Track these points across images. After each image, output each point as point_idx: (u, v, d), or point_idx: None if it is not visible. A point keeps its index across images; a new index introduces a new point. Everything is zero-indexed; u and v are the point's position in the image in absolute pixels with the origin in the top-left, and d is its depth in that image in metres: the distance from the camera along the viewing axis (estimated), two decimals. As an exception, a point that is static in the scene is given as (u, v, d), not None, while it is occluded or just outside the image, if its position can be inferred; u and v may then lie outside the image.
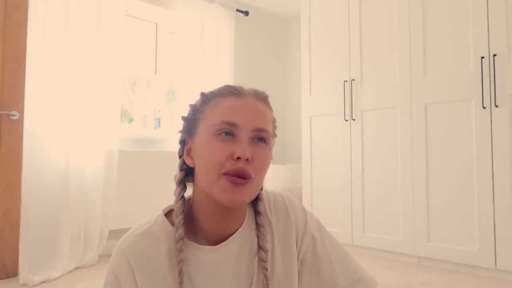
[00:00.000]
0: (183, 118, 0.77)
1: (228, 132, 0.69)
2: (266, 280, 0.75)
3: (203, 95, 0.76)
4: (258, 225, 0.78)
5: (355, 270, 0.84)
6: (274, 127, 0.78)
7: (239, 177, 0.68)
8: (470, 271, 2.26)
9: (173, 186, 0.78)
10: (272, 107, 0.78)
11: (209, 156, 0.69)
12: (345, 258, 0.84)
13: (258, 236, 0.78)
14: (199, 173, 0.73)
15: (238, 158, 0.67)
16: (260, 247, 0.77)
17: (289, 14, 4.19)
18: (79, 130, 2.48)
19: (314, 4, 3.10)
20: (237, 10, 3.66)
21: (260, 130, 0.71)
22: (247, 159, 0.67)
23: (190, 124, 0.76)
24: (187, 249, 0.73)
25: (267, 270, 0.76)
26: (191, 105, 0.77)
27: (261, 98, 0.75)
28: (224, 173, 0.68)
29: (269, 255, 0.78)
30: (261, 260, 0.76)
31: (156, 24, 3.30)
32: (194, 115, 0.75)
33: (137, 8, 3.12)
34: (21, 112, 2.25)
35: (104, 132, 2.58)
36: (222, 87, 0.75)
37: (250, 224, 0.79)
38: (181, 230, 0.71)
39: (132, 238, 0.74)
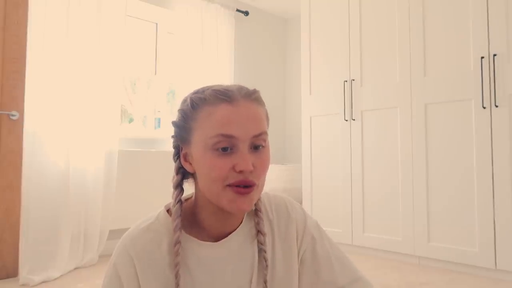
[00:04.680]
0: (174, 124, 0.75)
1: (227, 145, 0.68)
2: (266, 261, 0.77)
3: (191, 100, 0.72)
4: (256, 210, 0.80)
5: (352, 270, 0.85)
6: (268, 119, 0.77)
7: (244, 187, 0.68)
8: (470, 271, 2.26)
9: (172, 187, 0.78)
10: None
11: (210, 171, 0.68)
12: (343, 258, 0.86)
13: (255, 221, 0.79)
14: (201, 182, 0.73)
15: (241, 171, 0.67)
16: (258, 231, 0.79)
17: (289, 14, 4.19)
18: (79, 130, 2.48)
19: (314, 4, 3.10)
20: (237, 10, 3.66)
21: (257, 136, 0.70)
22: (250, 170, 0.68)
23: (183, 131, 0.73)
24: (188, 245, 0.75)
25: (265, 252, 0.77)
26: (180, 110, 0.74)
27: (254, 99, 0.72)
28: (228, 185, 0.68)
29: (269, 253, 0.79)
30: (260, 243, 0.78)
31: (156, 24, 3.30)
32: (186, 122, 0.72)
33: (137, 8, 3.12)
34: (21, 112, 2.25)
35: (104, 132, 2.58)
36: (210, 92, 0.71)
37: (250, 221, 0.81)
38: (178, 234, 0.72)
39: (135, 233, 0.75)
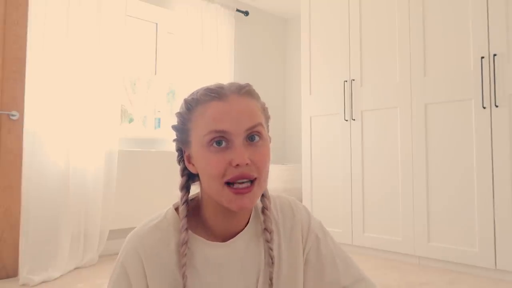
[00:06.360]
0: (174, 128, 0.76)
1: (220, 141, 0.68)
2: (272, 259, 0.77)
3: (186, 102, 0.73)
4: (263, 208, 0.80)
5: (356, 270, 0.86)
6: (266, 113, 0.77)
7: (243, 183, 0.68)
8: (470, 271, 2.26)
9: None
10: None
11: (208, 169, 0.69)
12: (346, 258, 0.86)
13: (262, 218, 0.79)
14: (203, 181, 0.73)
15: (237, 165, 0.67)
16: (265, 229, 0.79)
17: (289, 14, 4.19)
18: (79, 130, 2.48)
19: (314, 4, 3.10)
20: (237, 10, 3.66)
21: (251, 128, 0.69)
22: (246, 163, 0.67)
23: (183, 134, 0.74)
24: (195, 244, 0.75)
25: (272, 250, 0.77)
26: (177, 114, 0.76)
27: (244, 93, 0.72)
28: (227, 182, 0.68)
29: (276, 252, 0.79)
30: (266, 241, 0.78)
31: (156, 24, 3.30)
32: (184, 124, 0.74)
33: (137, 8, 3.12)
34: (21, 112, 2.25)
35: (104, 132, 2.58)
36: (202, 91, 0.72)
37: (257, 221, 0.81)
38: (184, 235, 0.72)
39: (143, 232, 0.75)
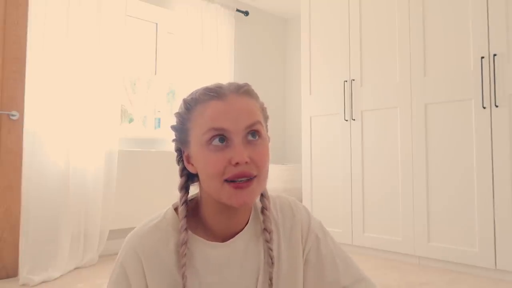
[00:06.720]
0: (173, 128, 0.76)
1: (220, 138, 0.68)
2: (272, 259, 0.77)
3: (185, 102, 0.74)
4: (263, 208, 0.80)
5: (356, 270, 0.86)
6: (264, 112, 0.77)
7: (242, 181, 0.68)
8: (470, 271, 2.26)
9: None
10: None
11: (207, 168, 0.69)
12: (346, 258, 0.86)
13: (262, 219, 0.79)
14: (202, 180, 0.73)
15: (237, 163, 0.67)
16: (264, 229, 0.79)
17: (289, 14, 4.19)
18: (79, 130, 2.48)
19: (314, 4, 3.10)
20: (237, 10, 3.66)
21: (250, 126, 0.70)
22: (246, 162, 0.67)
23: (182, 134, 0.75)
24: (195, 245, 0.75)
25: (272, 250, 0.77)
26: (176, 114, 0.76)
27: (243, 92, 0.72)
28: (226, 180, 0.68)
29: (275, 252, 0.79)
30: (266, 241, 0.78)
31: (156, 24, 3.30)
32: (183, 124, 0.74)
33: (137, 8, 3.12)
34: (21, 112, 2.25)
35: (104, 132, 2.58)
36: (201, 91, 0.73)
37: (256, 221, 0.81)
38: (183, 235, 0.72)
39: (142, 232, 0.75)
